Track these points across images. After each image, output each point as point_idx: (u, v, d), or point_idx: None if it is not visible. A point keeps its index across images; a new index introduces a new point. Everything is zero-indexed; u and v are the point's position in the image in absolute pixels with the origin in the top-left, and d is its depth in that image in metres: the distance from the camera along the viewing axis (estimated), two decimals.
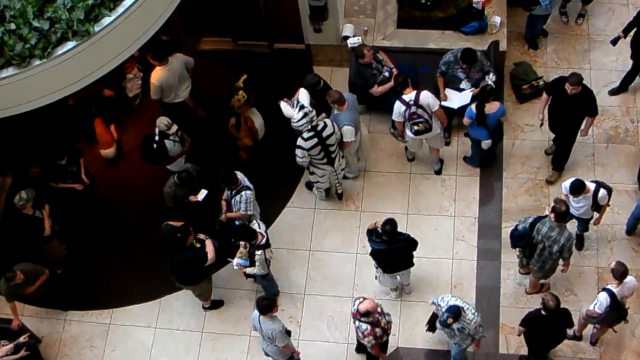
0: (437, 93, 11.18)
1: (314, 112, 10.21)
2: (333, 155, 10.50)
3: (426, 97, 10.41)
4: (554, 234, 9.37)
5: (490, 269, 10.83)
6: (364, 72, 11.17)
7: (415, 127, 10.52)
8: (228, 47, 12.79)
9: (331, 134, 10.27)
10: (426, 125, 10.49)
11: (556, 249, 9.40)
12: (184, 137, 11.05)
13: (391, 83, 11.13)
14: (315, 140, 10.21)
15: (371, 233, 9.60)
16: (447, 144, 11.76)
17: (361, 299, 9.01)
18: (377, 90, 11.24)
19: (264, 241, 9.75)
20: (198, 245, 9.84)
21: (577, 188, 9.64)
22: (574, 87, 9.98)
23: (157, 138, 10.81)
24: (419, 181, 11.57)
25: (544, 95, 10.49)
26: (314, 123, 10.15)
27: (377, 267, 10.10)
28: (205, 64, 12.69)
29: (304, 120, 10.10)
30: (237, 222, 10.40)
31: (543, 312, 8.94)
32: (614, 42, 11.34)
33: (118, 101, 11.94)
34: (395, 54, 11.68)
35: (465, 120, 10.78)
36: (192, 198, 10.42)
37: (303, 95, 10.32)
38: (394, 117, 10.69)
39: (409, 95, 10.42)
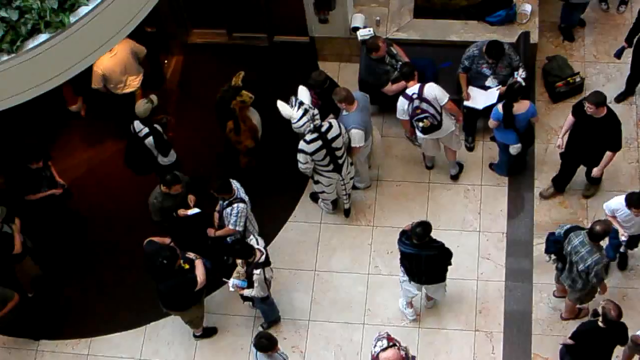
0: (459, 91, 11.26)
1: (315, 110, 10.18)
2: (340, 161, 10.47)
3: (432, 89, 10.37)
4: (583, 250, 9.33)
5: (521, 291, 10.80)
6: (376, 68, 11.15)
7: (420, 124, 10.47)
8: (222, 40, 12.81)
9: (337, 136, 10.24)
10: (433, 120, 10.43)
11: (582, 267, 9.35)
12: (156, 120, 11.03)
13: None
14: (319, 142, 10.18)
15: (403, 234, 9.61)
16: (471, 148, 11.82)
17: (383, 342, 8.81)
18: (390, 88, 11.17)
19: (262, 259, 9.72)
20: (187, 266, 9.80)
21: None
22: (591, 107, 9.83)
23: (146, 131, 10.76)
24: (439, 191, 11.55)
25: (569, 118, 10.38)
26: (317, 123, 10.13)
27: (403, 272, 10.09)
28: (196, 59, 12.87)
29: (304, 119, 10.06)
30: (228, 239, 10.40)
31: (601, 324, 8.89)
32: (619, 54, 11.37)
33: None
34: (412, 48, 11.64)
35: (491, 123, 10.74)
36: (181, 212, 10.40)
37: (302, 93, 10.27)
38: (398, 115, 10.64)
39: (412, 88, 10.39)
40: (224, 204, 10.22)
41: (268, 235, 11.03)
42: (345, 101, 10.44)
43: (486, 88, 11.15)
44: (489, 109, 10.95)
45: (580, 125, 10.22)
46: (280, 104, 10.16)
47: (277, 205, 11.57)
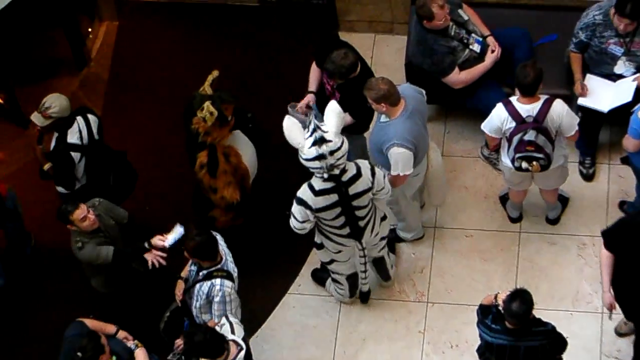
0: (570, 81, 11.22)
1: (344, 147, 9.73)
2: (362, 223, 10.27)
3: (560, 112, 10.26)
4: None
5: None
6: (434, 45, 11.05)
7: (525, 165, 10.44)
8: None
9: (364, 192, 10.04)
10: (544, 162, 10.41)
11: None
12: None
13: (486, 64, 11.10)
14: (334, 197, 9.96)
15: (486, 313, 9.51)
16: (589, 176, 11.70)
17: None
18: (458, 78, 11.14)
19: (241, 356, 9.53)
20: None
21: None
22: None
23: (82, 124, 10.94)
24: (535, 246, 11.48)
25: (604, 253, 10.08)
26: (337, 171, 9.82)
27: None
28: (138, 27, 13.14)
29: (319, 163, 9.73)
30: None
31: None
32: None
33: None
34: (494, 11, 11.79)
35: (631, 143, 10.41)
36: (156, 241, 10.41)
37: (331, 116, 9.73)
38: (484, 128, 10.57)
39: (529, 106, 10.20)
40: (201, 274, 10.03)
41: (254, 316, 11.11)
42: (385, 100, 10.08)
43: (615, 77, 11.01)
44: (620, 110, 10.75)
45: (626, 264, 10.02)
46: (288, 125, 9.72)
47: (272, 266, 11.64)
